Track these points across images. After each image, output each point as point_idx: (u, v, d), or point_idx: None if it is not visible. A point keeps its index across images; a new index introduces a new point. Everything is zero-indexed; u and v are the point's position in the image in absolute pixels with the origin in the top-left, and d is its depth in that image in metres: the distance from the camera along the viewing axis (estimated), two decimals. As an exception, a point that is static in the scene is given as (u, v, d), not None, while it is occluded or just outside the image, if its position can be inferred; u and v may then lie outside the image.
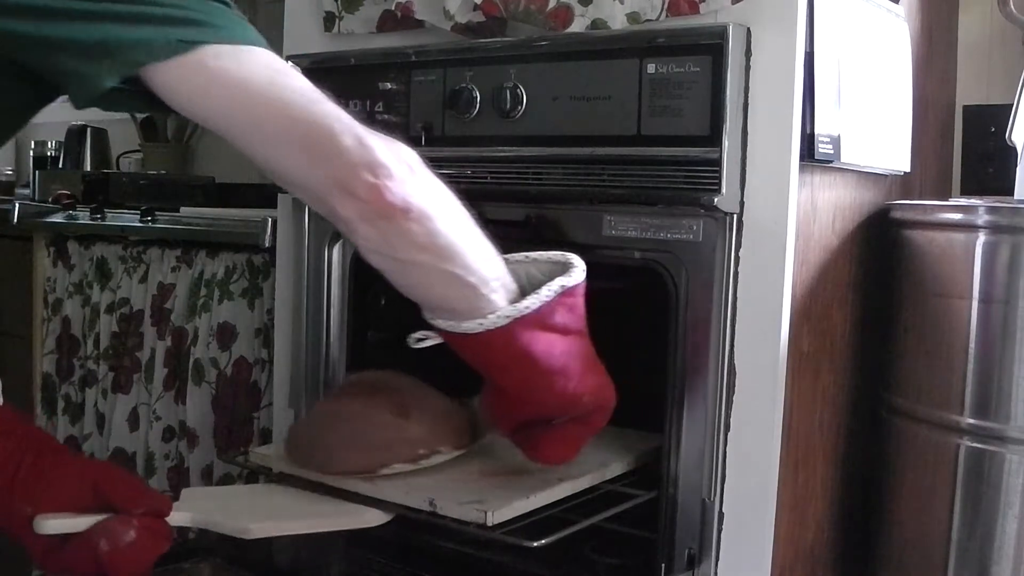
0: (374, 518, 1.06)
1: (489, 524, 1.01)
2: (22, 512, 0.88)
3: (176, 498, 0.98)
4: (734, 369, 1.11)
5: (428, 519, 1.05)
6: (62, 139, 2.94)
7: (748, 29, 1.09)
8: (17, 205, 2.15)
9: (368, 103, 1.35)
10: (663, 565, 1.14)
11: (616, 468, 1.21)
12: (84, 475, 0.90)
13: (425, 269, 0.87)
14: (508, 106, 1.21)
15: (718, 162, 1.08)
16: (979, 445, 1.13)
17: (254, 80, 0.82)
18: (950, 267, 1.16)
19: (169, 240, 1.87)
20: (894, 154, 1.31)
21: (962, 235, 1.15)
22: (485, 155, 1.25)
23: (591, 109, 1.17)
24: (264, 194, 1.65)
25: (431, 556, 1.27)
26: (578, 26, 1.19)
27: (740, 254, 1.10)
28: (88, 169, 2.83)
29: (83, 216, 2.04)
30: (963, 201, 1.29)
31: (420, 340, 0.97)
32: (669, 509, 1.15)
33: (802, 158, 1.10)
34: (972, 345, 1.13)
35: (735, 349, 1.11)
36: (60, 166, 2.96)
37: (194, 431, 1.77)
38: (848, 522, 1.30)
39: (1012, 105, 1.37)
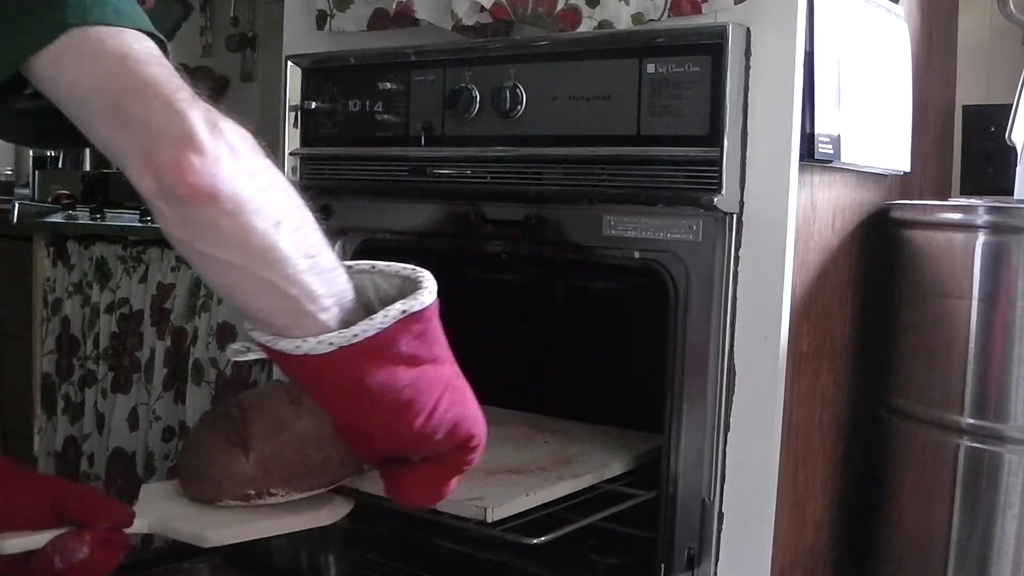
0: (328, 516, 1.01)
1: (489, 521, 1.01)
2: None
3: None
4: (734, 369, 1.11)
5: (427, 516, 1.05)
6: (62, 139, 2.94)
7: (748, 29, 1.09)
8: (17, 205, 2.15)
9: (368, 103, 1.35)
10: (663, 565, 1.14)
11: (616, 468, 1.22)
12: (43, 493, 0.89)
13: (235, 270, 0.74)
14: (508, 106, 1.21)
15: (718, 162, 1.08)
16: (979, 445, 1.13)
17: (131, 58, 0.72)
18: (950, 267, 1.16)
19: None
20: (894, 154, 1.31)
21: (962, 235, 1.15)
22: (485, 155, 1.25)
23: (591, 109, 1.17)
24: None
25: (431, 555, 1.27)
26: (586, 27, 1.19)
27: (740, 254, 1.10)
28: (88, 169, 2.83)
29: (83, 216, 2.05)
30: (963, 201, 1.29)
31: (240, 352, 0.89)
32: (669, 509, 1.15)
33: (802, 158, 1.10)
34: (972, 345, 1.13)
35: (735, 349, 1.11)
36: (60, 166, 2.96)
37: (194, 431, 1.77)
38: (848, 522, 1.30)
39: (1012, 105, 1.37)
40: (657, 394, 1.16)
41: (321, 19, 1.41)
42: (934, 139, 1.53)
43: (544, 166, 1.20)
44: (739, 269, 1.10)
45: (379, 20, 1.36)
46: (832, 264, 1.20)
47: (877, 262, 1.29)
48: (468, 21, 1.25)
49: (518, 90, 1.21)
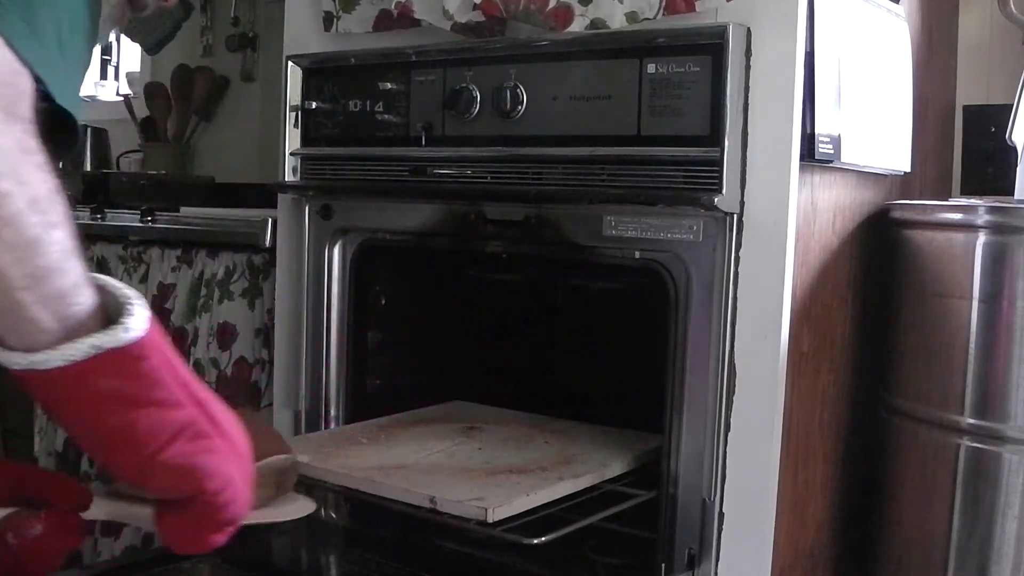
0: (294, 511, 1.02)
1: (490, 520, 1.01)
2: None
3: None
4: (734, 369, 1.11)
5: (428, 516, 1.05)
6: (62, 139, 2.94)
7: (748, 29, 1.09)
8: (17, 205, 2.15)
9: (368, 103, 1.35)
10: (663, 565, 1.14)
11: (616, 468, 1.22)
12: (1, 475, 0.90)
13: None
14: (508, 106, 1.21)
15: (718, 162, 1.08)
16: (979, 445, 1.13)
17: None
18: (950, 267, 1.16)
19: (169, 240, 1.87)
20: (894, 154, 1.31)
21: (962, 235, 1.15)
22: (485, 155, 1.25)
23: (591, 109, 1.17)
24: (264, 194, 1.65)
25: (431, 556, 1.27)
26: (578, 25, 1.19)
27: (740, 254, 1.10)
28: (88, 169, 2.83)
29: (83, 216, 2.04)
30: (963, 201, 1.29)
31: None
32: (669, 509, 1.15)
33: (802, 158, 1.10)
34: (972, 345, 1.13)
35: (735, 349, 1.11)
36: (59, 166, 2.96)
37: (194, 431, 1.77)
38: (848, 522, 1.30)
39: (1012, 105, 1.37)
40: (657, 394, 1.16)
41: (328, 20, 1.41)
42: (934, 139, 1.53)
43: (544, 166, 1.21)
44: (739, 269, 1.10)
45: (383, 21, 1.36)
46: (832, 264, 1.20)
47: (877, 262, 1.29)
48: (460, 18, 1.25)
49: (518, 90, 1.21)
